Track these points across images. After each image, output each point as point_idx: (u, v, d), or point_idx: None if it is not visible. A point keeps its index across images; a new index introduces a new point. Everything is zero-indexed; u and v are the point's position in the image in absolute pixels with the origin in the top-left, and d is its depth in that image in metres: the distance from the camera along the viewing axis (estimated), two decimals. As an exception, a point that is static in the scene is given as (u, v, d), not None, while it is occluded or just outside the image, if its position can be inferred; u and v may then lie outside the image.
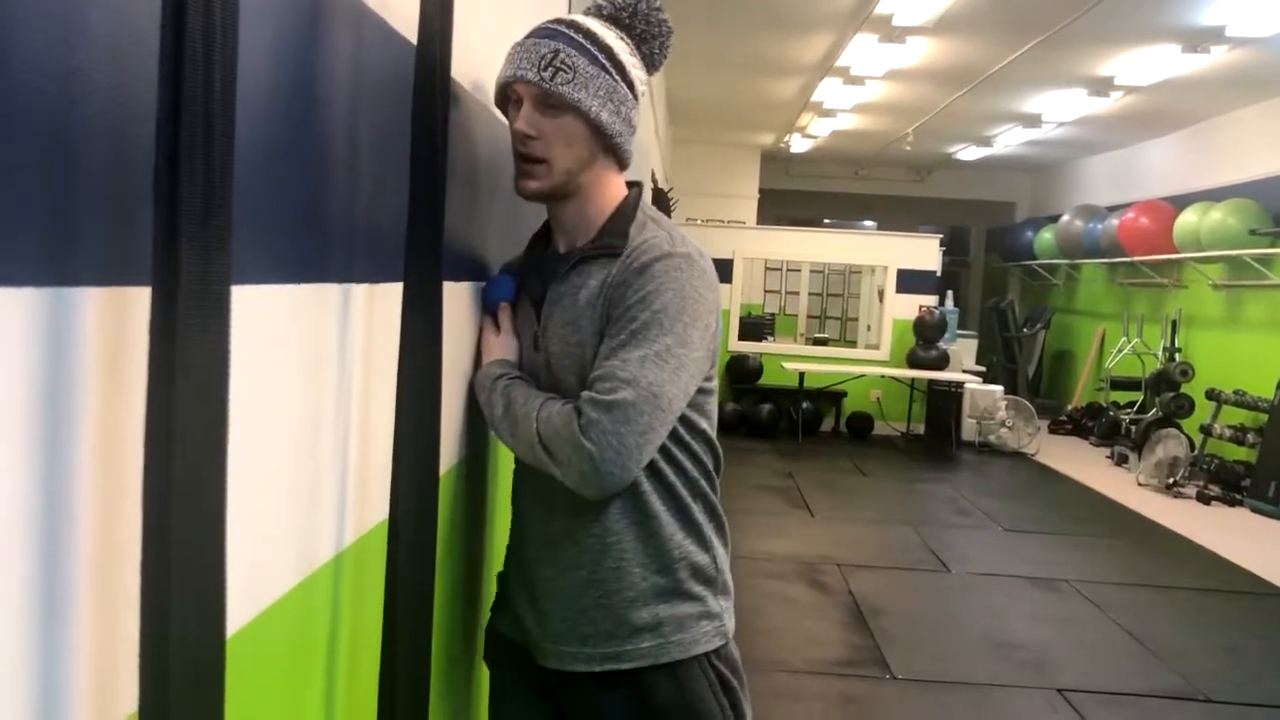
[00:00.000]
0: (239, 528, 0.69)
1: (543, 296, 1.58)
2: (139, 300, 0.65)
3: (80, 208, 0.63)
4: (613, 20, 1.57)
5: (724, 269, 10.41)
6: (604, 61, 1.51)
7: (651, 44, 1.61)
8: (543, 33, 1.51)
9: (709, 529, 1.59)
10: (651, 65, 1.63)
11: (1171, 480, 8.12)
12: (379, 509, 1.20)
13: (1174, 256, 9.59)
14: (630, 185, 1.61)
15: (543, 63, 1.47)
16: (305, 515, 1.00)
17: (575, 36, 1.50)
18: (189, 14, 0.61)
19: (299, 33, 0.92)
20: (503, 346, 1.59)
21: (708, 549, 1.58)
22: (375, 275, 1.16)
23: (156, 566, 0.63)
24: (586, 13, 1.59)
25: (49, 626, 0.62)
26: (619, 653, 1.53)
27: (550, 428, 1.42)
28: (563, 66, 1.47)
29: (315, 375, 1.01)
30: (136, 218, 0.66)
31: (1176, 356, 9.58)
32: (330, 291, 1.03)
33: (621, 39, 1.56)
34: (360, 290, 1.12)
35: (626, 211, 1.56)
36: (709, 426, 1.59)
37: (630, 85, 1.55)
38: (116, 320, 0.67)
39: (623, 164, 1.59)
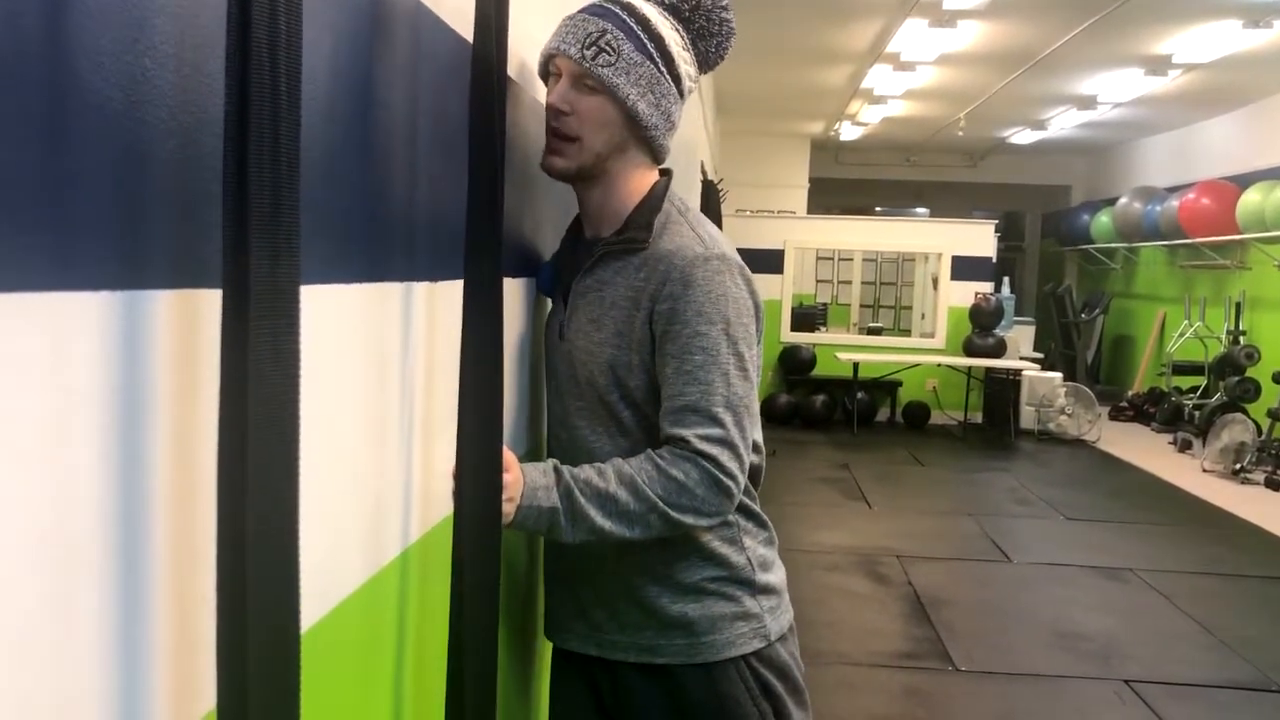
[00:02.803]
0: (310, 525, 0.70)
1: (570, 286, 1.56)
2: (210, 302, 0.65)
3: (151, 212, 0.63)
4: (672, 10, 1.54)
5: (775, 259, 10.39)
6: (651, 50, 1.47)
7: (708, 42, 1.57)
8: (595, 10, 1.48)
9: (742, 529, 1.56)
10: (706, 64, 1.59)
11: (1238, 466, 7.95)
12: (444, 504, 1.21)
13: (1237, 237, 9.38)
14: (662, 173, 1.58)
15: (587, 40, 1.44)
16: (373, 512, 1.01)
17: (627, 20, 1.47)
18: (254, 18, 0.61)
19: (359, 34, 0.93)
20: (516, 479, 1.36)
21: (741, 550, 1.55)
22: (436, 273, 1.17)
23: (232, 565, 0.63)
24: None
25: (129, 626, 0.63)
26: (653, 646, 1.53)
27: (672, 486, 1.40)
28: (606, 48, 1.44)
29: (380, 373, 1.02)
30: (206, 220, 0.66)
31: (1241, 340, 9.36)
32: (393, 290, 1.04)
33: (677, 31, 1.52)
34: (421, 288, 1.13)
35: (652, 202, 1.52)
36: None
37: (677, 80, 1.51)
38: (188, 322, 0.68)
39: (657, 158, 1.56)
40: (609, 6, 1.48)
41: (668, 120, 1.52)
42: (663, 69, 1.48)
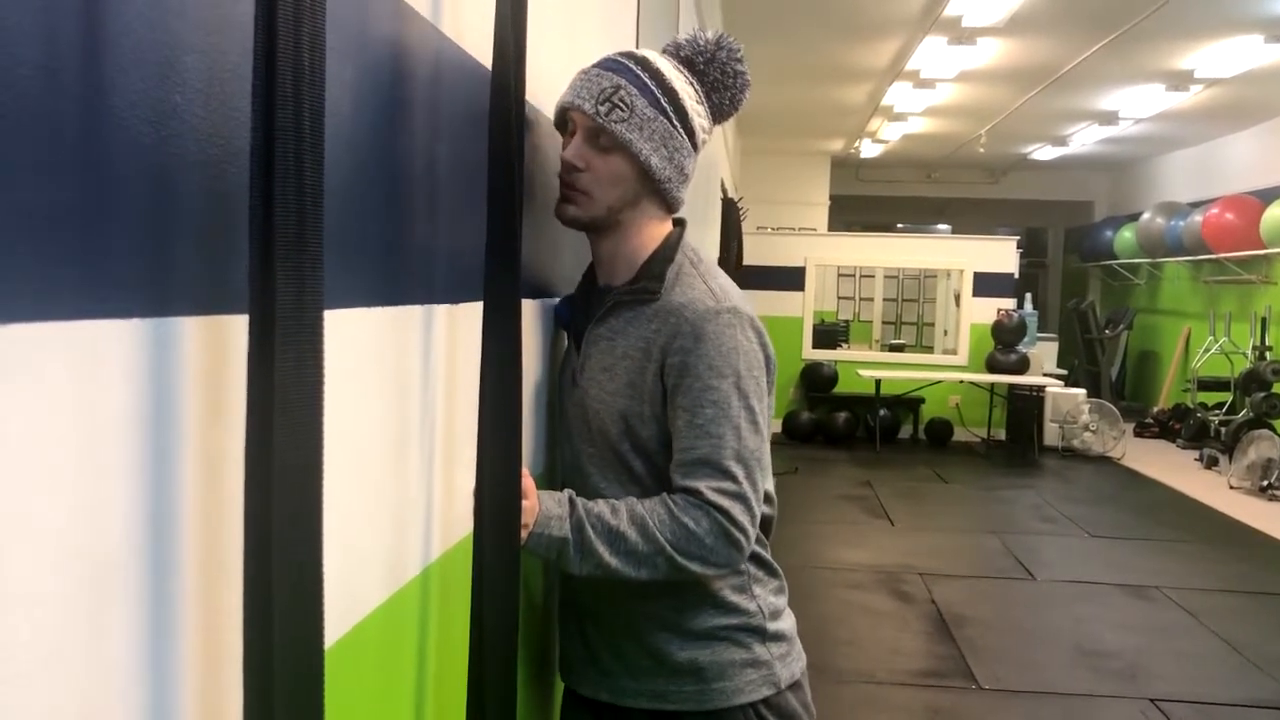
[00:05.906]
0: (333, 545, 0.71)
1: (584, 333, 1.57)
2: (237, 327, 0.67)
3: (179, 241, 0.65)
4: (687, 63, 1.55)
5: (796, 276, 10.40)
6: (665, 105, 1.48)
7: (722, 94, 1.57)
8: (609, 64, 1.49)
9: (753, 578, 1.57)
10: (720, 115, 1.60)
11: (1265, 483, 7.87)
12: (464, 523, 1.23)
13: (1262, 252, 9.32)
14: (676, 223, 1.59)
15: (601, 96, 1.45)
16: (394, 531, 1.03)
17: (640, 75, 1.48)
18: (279, 54, 0.64)
19: (381, 65, 0.95)
20: (532, 506, 1.40)
21: (752, 598, 1.56)
22: (455, 296, 1.19)
23: (258, 584, 0.65)
24: (664, 50, 1.57)
25: (157, 642, 0.65)
26: (664, 692, 1.54)
27: (682, 533, 1.41)
28: (620, 104, 1.45)
29: (401, 394, 1.04)
30: (232, 249, 0.68)
31: (1267, 355, 9.28)
32: (413, 313, 1.06)
33: (690, 84, 1.53)
34: (441, 310, 1.15)
35: (665, 253, 1.53)
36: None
37: (690, 133, 1.52)
38: (216, 347, 0.70)
39: (670, 208, 1.57)
40: (623, 61, 1.49)
41: (681, 173, 1.53)
42: (676, 123, 1.49)
